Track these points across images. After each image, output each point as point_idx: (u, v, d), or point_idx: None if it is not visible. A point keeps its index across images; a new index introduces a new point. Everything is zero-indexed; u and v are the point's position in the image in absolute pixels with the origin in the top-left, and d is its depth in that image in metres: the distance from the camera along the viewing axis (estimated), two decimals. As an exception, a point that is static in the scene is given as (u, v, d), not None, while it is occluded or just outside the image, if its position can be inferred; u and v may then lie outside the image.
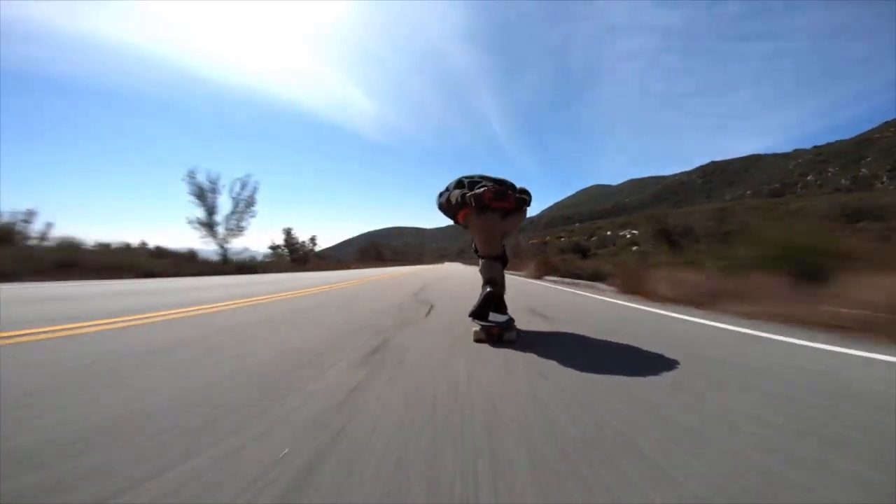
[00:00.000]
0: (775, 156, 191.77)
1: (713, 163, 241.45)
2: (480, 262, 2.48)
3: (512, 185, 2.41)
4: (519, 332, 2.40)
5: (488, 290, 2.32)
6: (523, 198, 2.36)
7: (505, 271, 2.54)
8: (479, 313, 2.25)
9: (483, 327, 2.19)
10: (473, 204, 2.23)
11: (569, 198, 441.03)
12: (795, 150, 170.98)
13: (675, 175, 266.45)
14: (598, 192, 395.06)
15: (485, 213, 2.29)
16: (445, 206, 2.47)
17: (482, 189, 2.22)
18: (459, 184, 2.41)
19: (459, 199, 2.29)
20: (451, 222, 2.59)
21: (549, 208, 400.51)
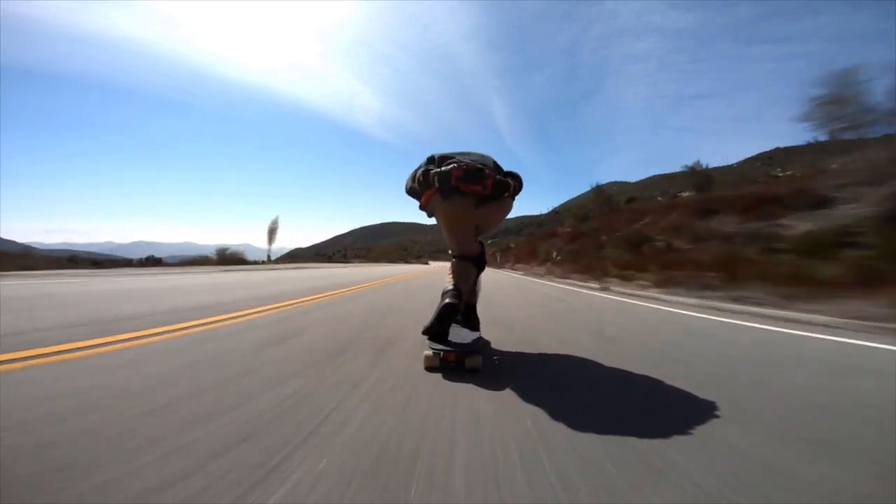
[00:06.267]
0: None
1: (779, 149, 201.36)
2: (451, 262, 2.00)
3: (496, 167, 1.88)
4: (496, 358, 1.89)
5: (447, 301, 1.72)
6: (505, 181, 1.78)
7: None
8: (434, 331, 1.72)
9: (437, 351, 1.66)
10: (438, 185, 1.72)
11: (585, 193, 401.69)
12: (886, 136, 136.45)
13: (732, 165, 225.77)
14: (616, 188, 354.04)
15: (452, 198, 1.78)
16: (411, 188, 1.95)
17: (450, 166, 1.71)
18: (430, 161, 1.86)
19: (421, 177, 1.80)
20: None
21: (564, 204, 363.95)
